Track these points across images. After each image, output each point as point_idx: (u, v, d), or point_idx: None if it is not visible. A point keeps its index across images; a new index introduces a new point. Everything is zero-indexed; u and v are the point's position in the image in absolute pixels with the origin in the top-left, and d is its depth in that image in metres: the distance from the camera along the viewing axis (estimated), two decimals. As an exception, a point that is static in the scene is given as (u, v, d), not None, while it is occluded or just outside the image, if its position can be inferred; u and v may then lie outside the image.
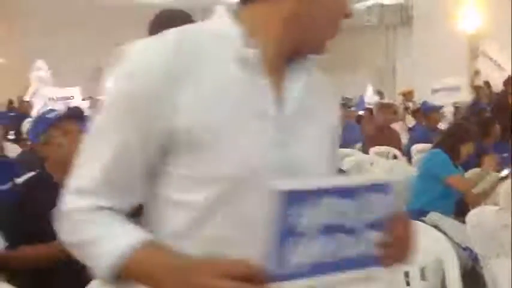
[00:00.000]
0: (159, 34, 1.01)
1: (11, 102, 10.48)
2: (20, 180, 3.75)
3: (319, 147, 1.08)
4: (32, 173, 2.80)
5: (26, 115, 8.40)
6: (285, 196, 0.84)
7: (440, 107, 7.31)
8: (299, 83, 1.05)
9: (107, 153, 0.99)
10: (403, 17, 15.91)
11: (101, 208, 1.00)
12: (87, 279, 1.98)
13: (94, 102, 7.71)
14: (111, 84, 1.01)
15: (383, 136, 6.17)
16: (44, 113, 2.75)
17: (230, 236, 0.98)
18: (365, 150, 6.00)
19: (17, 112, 9.13)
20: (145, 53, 0.98)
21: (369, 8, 15.92)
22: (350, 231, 0.91)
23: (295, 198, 0.86)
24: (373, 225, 0.94)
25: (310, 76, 1.08)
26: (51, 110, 2.79)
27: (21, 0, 12.95)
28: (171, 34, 1.01)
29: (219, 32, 1.02)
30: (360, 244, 0.92)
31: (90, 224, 1.00)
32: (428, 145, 5.09)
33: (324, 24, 1.05)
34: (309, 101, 1.07)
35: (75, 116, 2.65)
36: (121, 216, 1.02)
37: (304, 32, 1.04)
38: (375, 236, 0.94)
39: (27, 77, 9.37)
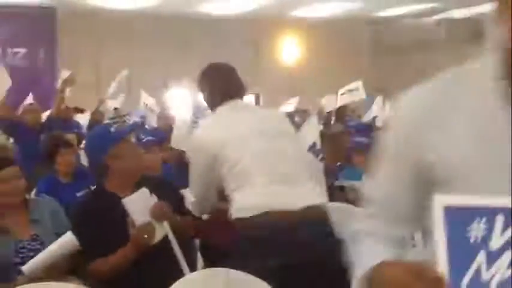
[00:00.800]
0: (425, 83, 1.12)
1: (80, 110, 10.93)
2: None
3: None
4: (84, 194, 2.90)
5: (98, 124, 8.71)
6: (457, 212, 0.89)
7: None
8: None
9: (384, 184, 1.16)
10: (474, 32, 15.49)
11: (374, 234, 1.14)
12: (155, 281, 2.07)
13: (163, 114, 7.90)
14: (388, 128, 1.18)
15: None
16: (108, 127, 2.84)
17: None
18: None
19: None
20: (410, 101, 1.12)
21: (438, 23, 15.62)
22: None
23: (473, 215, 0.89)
24: None
25: None
26: (110, 125, 2.87)
27: (97, 14, 13.49)
28: (433, 83, 1.11)
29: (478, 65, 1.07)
30: None
31: (359, 244, 1.15)
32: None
33: None
34: None
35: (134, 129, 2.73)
36: (390, 242, 1.14)
37: None
38: None
39: (103, 90, 9.73)
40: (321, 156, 3.72)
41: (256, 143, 2.38)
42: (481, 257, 0.88)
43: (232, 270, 2.16)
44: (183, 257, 2.47)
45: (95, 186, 2.75)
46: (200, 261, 2.97)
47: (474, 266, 0.88)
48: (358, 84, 9.24)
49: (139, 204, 2.47)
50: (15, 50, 14.05)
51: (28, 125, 5.60)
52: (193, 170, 2.54)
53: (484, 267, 0.88)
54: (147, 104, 8.77)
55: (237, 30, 14.23)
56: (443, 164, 1.02)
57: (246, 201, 2.27)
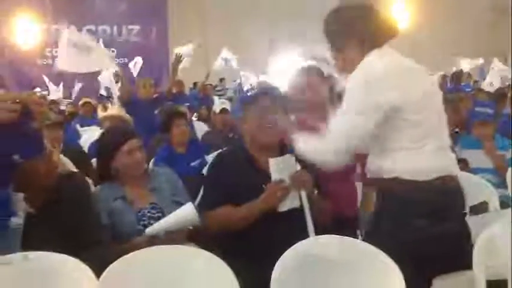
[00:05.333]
0: None
1: (195, 84, 11.28)
2: (209, 157, 4.03)
3: None
4: (225, 148, 2.99)
5: (207, 97, 8.98)
6: None
7: None
8: None
9: None
10: None
11: None
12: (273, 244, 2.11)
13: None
14: None
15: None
16: (245, 91, 2.93)
17: None
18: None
19: (201, 95, 9.80)
20: None
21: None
22: None
23: None
24: None
25: None
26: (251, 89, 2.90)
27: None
28: None
29: None
30: None
31: None
32: None
33: None
34: None
35: (268, 92, 2.64)
36: None
37: None
38: None
39: (211, 63, 9.98)
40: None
41: (431, 105, 2.24)
42: None
43: (346, 237, 2.16)
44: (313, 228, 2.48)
45: (230, 148, 2.86)
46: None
47: None
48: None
49: (280, 167, 2.51)
50: (130, 27, 14.79)
51: (142, 99, 5.83)
52: (355, 114, 2.16)
53: None
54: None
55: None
56: None
57: (422, 165, 2.18)
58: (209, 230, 2.55)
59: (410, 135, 2.17)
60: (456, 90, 7.23)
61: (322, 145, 2.23)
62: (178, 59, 6.20)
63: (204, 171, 3.23)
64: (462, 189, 2.27)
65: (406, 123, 2.15)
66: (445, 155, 2.25)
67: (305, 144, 2.29)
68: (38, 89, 10.85)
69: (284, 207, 2.49)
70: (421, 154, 2.18)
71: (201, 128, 6.42)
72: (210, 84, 10.05)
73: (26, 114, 1.92)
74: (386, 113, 2.12)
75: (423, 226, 2.13)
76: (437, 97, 2.31)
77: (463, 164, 3.65)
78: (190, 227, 2.53)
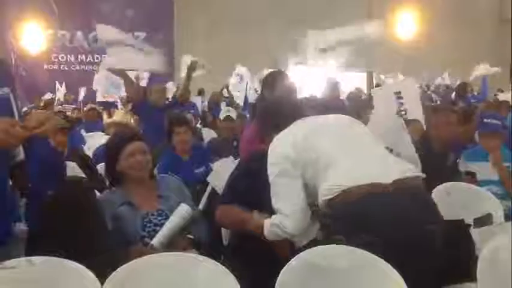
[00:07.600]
0: None
1: (200, 91, 11.32)
2: (215, 164, 4.04)
3: None
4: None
5: (218, 105, 9.02)
6: None
7: None
8: None
9: None
10: None
11: None
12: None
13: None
14: None
15: None
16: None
17: None
18: None
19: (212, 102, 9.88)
20: None
21: None
22: None
23: None
24: None
25: None
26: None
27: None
28: None
29: None
30: None
31: None
32: None
33: None
34: None
35: None
36: None
37: None
38: None
39: (215, 70, 10.02)
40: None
41: (329, 134, 2.41)
42: None
43: (351, 247, 2.16)
44: None
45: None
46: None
47: None
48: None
49: None
50: (136, 33, 14.87)
51: (151, 105, 5.73)
52: (284, 186, 2.40)
53: None
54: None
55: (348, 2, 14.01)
56: None
57: (337, 181, 2.24)
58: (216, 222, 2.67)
59: (315, 172, 2.34)
60: (468, 103, 7.23)
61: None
62: (194, 65, 6.08)
63: (209, 178, 3.25)
64: (407, 198, 2.20)
65: (309, 167, 2.34)
66: (361, 165, 2.29)
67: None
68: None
69: (301, 243, 2.44)
70: (329, 176, 2.27)
71: (209, 135, 6.44)
72: (221, 93, 10.14)
73: None
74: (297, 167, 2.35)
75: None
76: (336, 124, 2.50)
77: (470, 176, 3.65)
78: (192, 237, 2.60)
